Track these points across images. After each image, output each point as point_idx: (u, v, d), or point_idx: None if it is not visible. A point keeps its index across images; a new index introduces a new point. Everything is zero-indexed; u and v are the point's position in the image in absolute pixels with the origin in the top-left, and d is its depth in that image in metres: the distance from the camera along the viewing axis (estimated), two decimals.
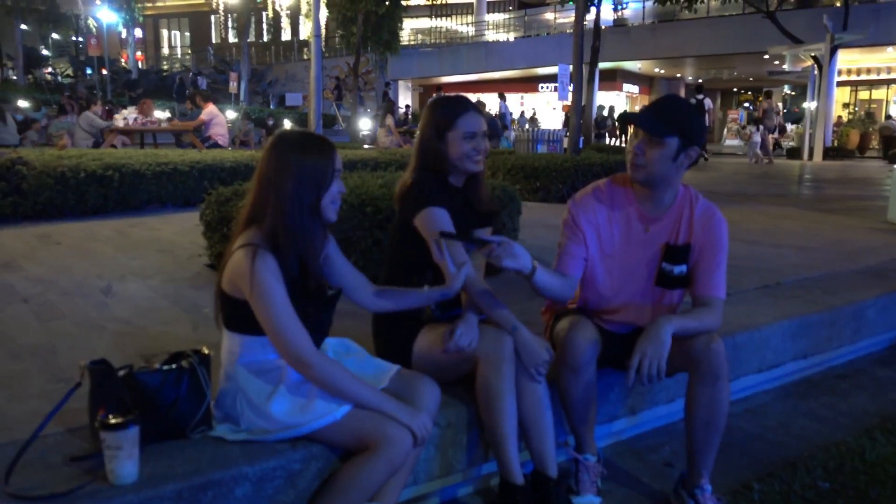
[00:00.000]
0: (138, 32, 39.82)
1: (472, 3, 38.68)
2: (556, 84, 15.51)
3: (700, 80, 34.53)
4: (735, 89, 39.85)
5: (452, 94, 2.88)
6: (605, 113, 25.77)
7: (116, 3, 32.39)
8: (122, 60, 38.84)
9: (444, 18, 41.14)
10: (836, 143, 23.98)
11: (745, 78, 35.73)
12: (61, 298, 4.00)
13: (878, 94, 33.99)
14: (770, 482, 2.62)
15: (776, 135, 23.01)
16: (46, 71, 38.26)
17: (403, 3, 21.38)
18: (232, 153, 10.14)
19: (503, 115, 18.56)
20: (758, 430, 3.16)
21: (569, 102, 12.94)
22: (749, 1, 23.86)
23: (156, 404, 2.01)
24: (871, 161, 22.43)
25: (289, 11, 34.47)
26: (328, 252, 2.30)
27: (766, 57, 25.04)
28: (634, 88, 35.03)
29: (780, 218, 7.89)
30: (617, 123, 22.86)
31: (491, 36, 36.79)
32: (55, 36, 41.85)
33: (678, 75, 35.81)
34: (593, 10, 16.92)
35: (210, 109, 13.26)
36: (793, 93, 37.17)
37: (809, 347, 3.77)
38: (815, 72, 22.46)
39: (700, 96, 21.70)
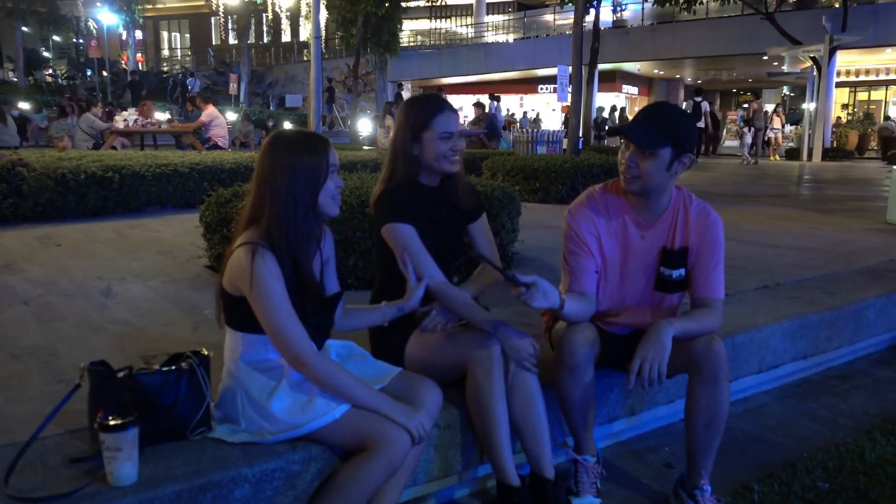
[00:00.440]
0: (138, 34, 39.85)
1: (471, 5, 38.71)
2: (556, 85, 15.51)
3: (699, 81, 34.62)
4: (734, 90, 39.87)
5: (427, 93, 2.83)
6: (605, 114, 25.73)
7: (117, 5, 32.41)
8: (123, 62, 38.85)
9: (443, 20, 41.15)
10: (835, 144, 24.01)
11: (744, 79, 35.75)
12: (61, 300, 4.00)
13: (877, 95, 34.01)
14: (770, 483, 2.62)
15: (774, 135, 23.01)
16: (47, 73, 38.28)
17: (403, 4, 21.37)
18: (232, 155, 10.14)
19: (493, 116, 18.48)
20: (758, 430, 3.17)
21: (568, 104, 12.93)
22: (748, 2, 23.88)
23: (155, 406, 2.01)
24: (869, 162, 22.46)
25: (288, 13, 34.48)
26: (328, 256, 2.31)
27: (766, 58, 25.07)
28: (634, 90, 35.05)
29: (779, 218, 7.89)
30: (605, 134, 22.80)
31: (490, 37, 36.81)
32: (56, 38, 41.88)
33: (677, 76, 35.84)
34: (592, 11, 16.93)
35: (210, 111, 13.27)
36: (792, 94, 37.19)
37: (809, 348, 3.77)
38: (814, 73, 22.50)
39: (698, 98, 21.75)
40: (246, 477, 1.99)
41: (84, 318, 3.63)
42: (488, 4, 39.10)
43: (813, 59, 22.17)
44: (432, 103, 2.55)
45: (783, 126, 22.94)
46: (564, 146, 12.34)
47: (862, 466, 2.76)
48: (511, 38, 35.78)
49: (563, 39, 25.00)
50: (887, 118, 26.66)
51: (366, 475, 2.00)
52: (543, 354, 2.48)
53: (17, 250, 5.60)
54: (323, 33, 20.83)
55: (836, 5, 24.72)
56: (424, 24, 39.89)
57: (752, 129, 21.20)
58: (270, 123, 21.51)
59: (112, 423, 1.83)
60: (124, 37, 36.08)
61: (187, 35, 50.32)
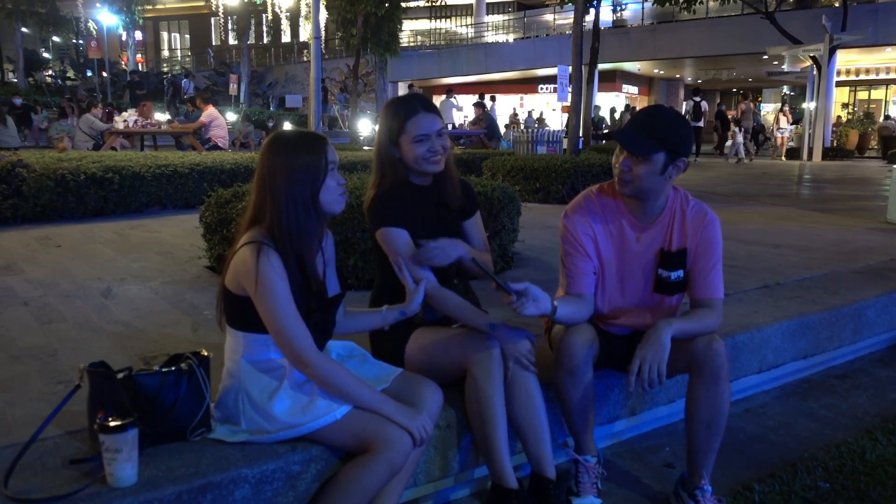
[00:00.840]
0: (138, 35, 39.85)
1: (471, 5, 38.72)
2: (556, 85, 15.50)
3: (699, 81, 34.61)
4: (734, 90, 39.87)
5: (407, 94, 2.80)
6: (602, 113, 25.73)
7: (116, 6, 32.42)
8: (123, 63, 38.87)
9: (443, 20, 41.16)
10: (835, 144, 24.00)
11: (744, 78, 35.76)
12: (61, 301, 4.00)
13: (877, 94, 34.04)
14: (770, 483, 2.62)
15: (781, 135, 23.00)
16: (47, 73, 38.28)
17: (403, 4, 21.36)
18: (232, 155, 10.15)
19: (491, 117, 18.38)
20: (758, 430, 3.16)
21: (568, 103, 12.93)
22: (748, 2, 23.88)
23: (155, 406, 2.01)
24: (870, 161, 22.45)
25: (288, 13, 34.47)
26: (329, 257, 2.31)
27: (766, 57, 25.06)
28: (634, 89, 35.06)
29: (779, 218, 7.89)
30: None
31: (490, 37, 36.81)
32: (55, 39, 41.88)
33: (677, 76, 35.85)
34: (592, 11, 16.93)
35: (210, 111, 13.28)
36: (792, 93, 37.20)
37: (810, 348, 3.77)
38: (814, 72, 22.49)
39: (697, 98, 21.77)
40: (246, 478, 1.98)
41: (84, 319, 3.63)
42: (488, 4, 39.10)
43: (813, 58, 22.17)
44: (406, 106, 2.52)
45: (790, 125, 22.89)
46: (565, 146, 12.34)
47: (863, 466, 2.76)
48: (511, 38, 35.78)
49: (563, 39, 24.99)
50: (887, 117, 26.65)
51: (367, 476, 2.00)
52: (543, 355, 2.47)
53: (16, 251, 5.60)
54: (323, 34, 20.83)
55: (836, 4, 24.71)
56: (424, 24, 39.92)
57: (742, 128, 21.31)
58: (271, 124, 21.54)
59: (112, 424, 1.83)
60: (124, 37, 36.10)
61: (187, 36, 50.33)
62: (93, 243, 6.00)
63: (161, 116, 15.82)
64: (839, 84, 28.49)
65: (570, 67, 11.85)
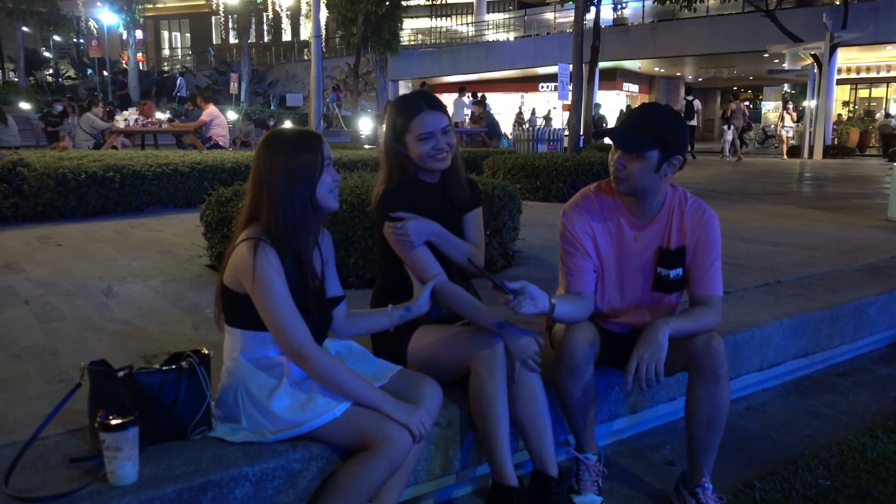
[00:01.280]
0: (139, 34, 39.82)
1: (472, 3, 38.69)
2: (557, 84, 15.49)
3: (700, 79, 34.57)
4: (735, 88, 39.83)
5: (413, 91, 2.79)
6: (602, 111, 25.69)
7: (117, 5, 32.38)
8: (123, 62, 38.86)
9: (444, 18, 41.15)
10: (835, 142, 23.98)
11: (745, 77, 35.74)
12: (62, 300, 4.00)
13: (878, 92, 34.01)
14: (771, 480, 2.62)
15: (785, 133, 22.94)
16: (48, 73, 38.28)
17: (403, 3, 21.35)
18: (233, 154, 10.16)
19: (491, 115, 18.25)
20: (759, 428, 3.16)
21: (569, 102, 12.93)
22: (748, 0, 23.86)
23: (156, 405, 2.01)
24: (870, 159, 22.43)
25: (289, 12, 34.40)
26: (327, 257, 2.31)
27: (766, 56, 25.06)
28: (634, 88, 35.04)
29: (780, 216, 7.88)
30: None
31: (491, 36, 36.79)
32: (56, 38, 41.87)
33: (678, 74, 35.82)
34: (593, 9, 16.92)
35: (211, 110, 13.28)
36: (793, 91, 37.17)
37: (810, 345, 3.77)
38: (815, 70, 22.47)
39: (689, 97, 21.79)
40: (247, 476, 1.98)
41: (85, 318, 3.63)
42: (489, 3, 39.10)
43: (814, 56, 22.14)
44: (410, 104, 2.51)
45: (794, 123, 22.85)
46: (566, 144, 12.35)
47: (863, 464, 2.76)
48: (512, 36, 35.76)
49: (564, 37, 24.97)
50: (888, 115, 26.61)
51: (367, 474, 2.00)
52: (543, 353, 2.47)
53: (17, 250, 5.60)
54: (323, 32, 20.78)
55: (837, 2, 24.65)
56: (425, 22, 39.91)
57: (732, 127, 21.38)
58: (271, 123, 21.52)
59: (112, 422, 1.83)
60: (125, 36, 36.03)
61: (188, 34, 50.32)
62: (93, 242, 6.00)
63: (162, 115, 15.79)
64: (840, 82, 28.46)
65: (571, 66, 11.84)
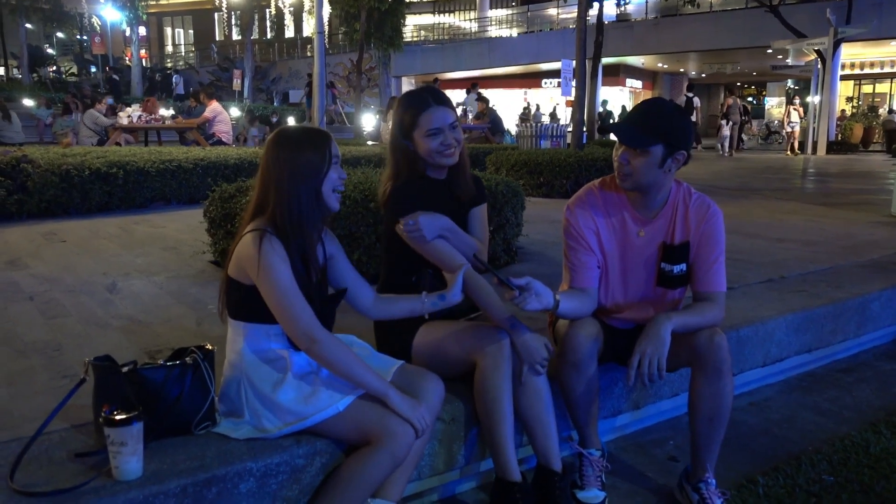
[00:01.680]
0: (142, 30, 39.85)
1: None
2: (560, 80, 15.46)
3: (703, 75, 34.46)
4: (738, 84, 39.76)
5: (420, 87, 2.79)
6: (609, 107, 25.68)
7: (120, 1, 32.41)
8: (126, 58, 38.91)
9: (447, 14, 41.11)
10: (839, 137, 23.93)
11: (748, 72, 35.65)
12: (66, 296, 4.01)
13: (882, 87, 33.92)
14: (774, 476, 2.62)
15: (792, 128, 22.82)
16: (51, 69, 38.33)
17: None
18: (236, 150, 10.16)
19: (494, 111, 18.15)
20: (762, 424, 3.16)
21: (572, 98, 12.92)
22: None
23: (160, 400, 2.02)
24: (874, 155, 22.37)
25: (292, 8, 34.47)
26: (332, 252, 2.32)
27: (770, 51, 25.01)
28: (638, 83, 35.00)
29: (783, 212, 7.87)
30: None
31: (494, 32, 36.75)
32: (59, 34, 41.92)
33: (681, 70, 35.76)
34: (596, 5, 16.87)
35: (214, 107, 13.27)
36: (796, 87, 37.07)
37: (814, 341, 3.76)
38: (819, 66, 22.41)
39: (689, 94, 21.77)
40: (251, 471, 1.99)
41: (89, 314, 3.64)
42: None
43: (817, 51, 22.08)
44: (418, 100, 2.52)
45: (801, 119, 22.76)
46: (569, 140, 12.34)
47: (867, 459, 2.76)
48: (514, 32, 35.71)
49: (567, 33, 24.97)
50: (892, 111, 26.53)
51: (369, 469, 2.01)
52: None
53: (22, 246, 5.61)
54: (326, 28, 20.78)
55: None
56: (428, 18, 39.89)
57: (729, 122, 21.38)
58: (274, 119, 21.52)
59: (117, 417, 1.84)
60: (128, 33, 36.08)
61: (191, 31, 50.34)
62: (97, 238, 6.01)
63: (165, 112, 15.78)
64: (843, 78, 28.36)
65: (574, 62, 11.83)
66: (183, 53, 49.47)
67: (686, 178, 2.57)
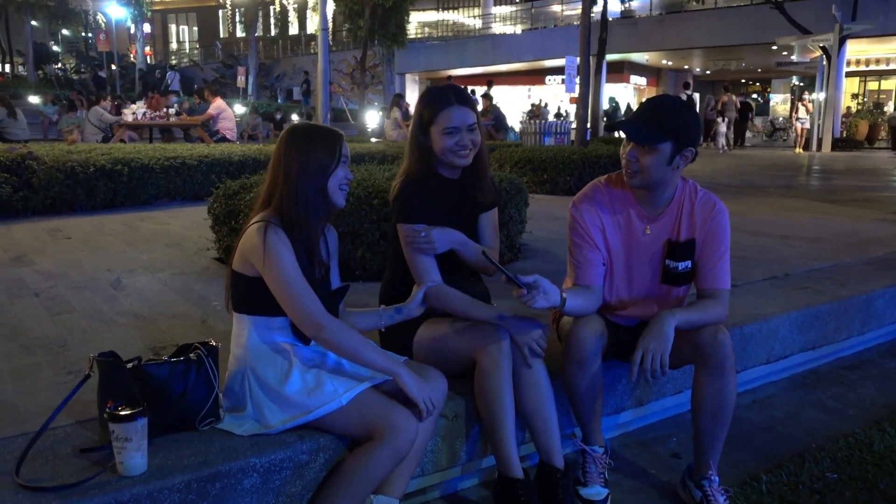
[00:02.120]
0: (147, 27, 39.90)
1: None
2: (564, 76, 15.44)
3: (697, 70, 34.36)
4: (743, 80, 39.65)
5: (443, 84, 2.78)
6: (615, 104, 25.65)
7: None
8: (131, 56, 38.95)
9: (450, 11, 41.06)
10: (844, 134, 23.83)
11: (753, 69, 35.53)
12: (71, 292, 4.03)
13: (888, 84, 33.76)
14: (778, 473, 2.62)
15: (801, 125, 22.73)
16: (56, 66, 38.41)
17: None
18: (240, 147, 10.17)
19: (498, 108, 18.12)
20: (766, 421, 3.16)
21: (576, 95, 12.90)
22: None
23: (164, 396, 2.03)
24: (879, 152, 22.30)
25: (296, 5, 34.48)
26: (332, 251, 2.35)
27: (775, 48, 24.90)
28: (642, 80, 34.90)
29: (788, 209, 7.86)
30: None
31: (498, 28, 36.70)
32: (65, 32, 41.97)
33: (686, 67, 35.66)
34: (600, 1, 16.85)
35: (218, 104, 13.29)
36: (801, 83, 36.97)
37: (818, 338, 3.76)
38: (824, 62, 22.32)
39: (688, 92, 21.76)
40: (254, 467, 2.00)
41: (94, 310, 3.65)
42: None
43: (822, 48, 22.00)
44: (440, 97, 2.52)
45: (809, 115, 22.68)
46: (572, 137, 12.33)
47: (870, 457, 2.76)
48: (518, 28, 35.66)
49: (571, 30, 24.90)
50: None
51: (372, 464, 2.02)
52: (551, 346, 2.48)
53: (27, 243, 5.63)
54: (330, 25, 20.79)
55: None
56: (432, 15, 39.83)
57: (726, 119, 21.39)
58: (278, 116, 21.54)
59: (121, 413, 1.85)
60: (132, 30, 36.16)
61: (195, 28, 50.39)
62: (102, 235, 6.03)
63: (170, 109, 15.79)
64: (849, 74, 28.26)
65: (578, 58, 11.81)
66: (187, 50, 49.51)
67: (690, 176, 2.57)
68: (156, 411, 1.97)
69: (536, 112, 24.82)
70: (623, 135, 2.45)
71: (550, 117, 27.26)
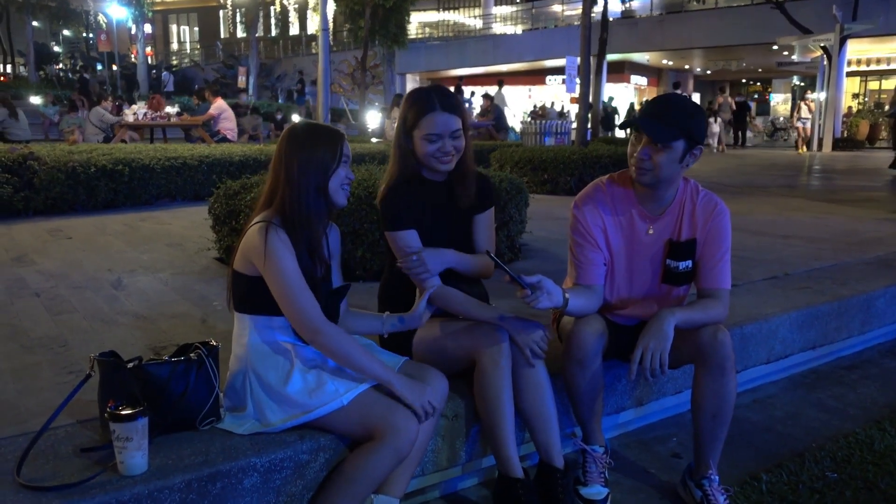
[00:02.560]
0: (147, 28, 39.91)
1: None
2: (564, 76, 15.43)
3: (698, 70, 34.30)
4: (743, 80, 39.64)
5: (431, 85, 2.73)
6: (614, 104, 25.63)
7: None
8: (132, 56, 38.97)
9: (451, 11, 41.07)
10: (845, 134, 23.82)
11: (753, 69, 35.51)
12: (72, 292, 4.03)
13: (889, 84, 33.73)
14: (778, 473, 2.62)
15: (802, 125, 22.69)
16: (57, 67, 38.44)
17: None
18: (241, 147, 10.17)
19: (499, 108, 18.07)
20: (766, 420, 3.16)
21: (577, 95, 12.89)
22: None
23: (165, 396, 2.03)
24: (880, 152, 22.28)
25: (296, 6, 34.45)
26: (333, 250, 2.34)
27: (775, 48, 24.88)
28: (643, 80, 34.88)
29: (788, 209, 7.86)
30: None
31: (498, 28, 36.69)
32: (66, 32, 42.00)
33: (686, 67, 35.64)
34: (601, 1, 16.84)
35: (219, 104, 13.30)
36: (802, 83, 36.94)
37: (818, 338, 3.76)
38: (825, 62, 22.31)
39: (678, 91, 21.79)
40: (255, 466, 2.00)
41: (95, 310, 3.66)
42: None
43: (823, 48, 21.99)
44: (424, 101, 2.44)
45: (811, 115, 22.64)
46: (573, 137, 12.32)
47: (871, 456, 2.76)
48: (519, 29, 35.66)
49: (572, 30, 24.89)
50: None
51: (373, 464, 2.02)
52: (551, 346, 2.48)
53: (28, 243, 5.64)
54: (331, 26, 20.78)
55: None
56: (432, 15, 39.84)
57: (719, 119, 21.44)
58: (279, 116, 21.53)
59: (122, 413, 1.85)
60: (133, 31, 36.14)
61: (196, 28, 50.42)
62: (103, 235, 6.03)
63: (171, 109, 15.79)
64: (850, 74, 28.25)
65: (579, 58, 11.81)
66: (188, 51, 49.53)
67: (691, 175, 2.57)
68: (156, 411, 1.97)
69: (542, 113, 24.87)
70: (626, 133, 2.45)
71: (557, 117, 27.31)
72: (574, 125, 12.83)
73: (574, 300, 2.38)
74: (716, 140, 21.12)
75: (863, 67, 31.87)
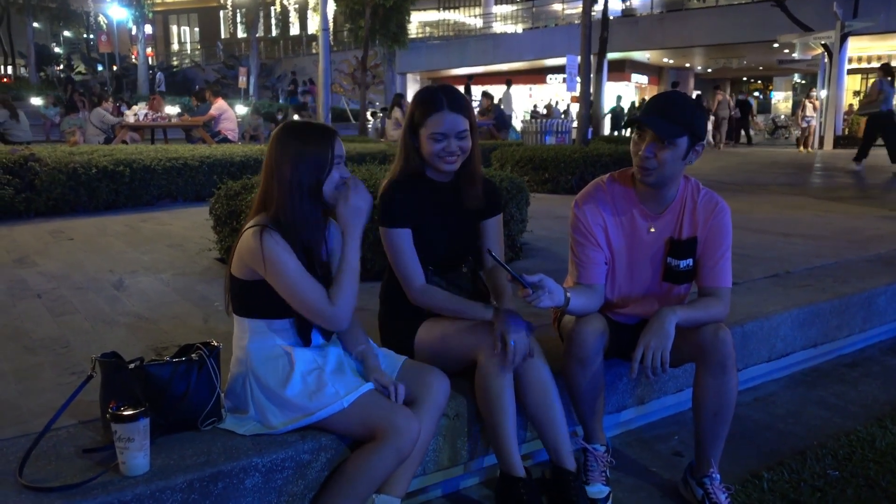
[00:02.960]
0: (148, 29, 39.93)
1: None
2: (565, 75, 15.41)
3: (709, 70, 34.29)
4: (744, 78, 39.62)
5: (439, 84, 2.72)
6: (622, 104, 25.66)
7: (126, 0, 32.49)
8: (133, 57, 38.99)
9: (451, 11, 41.07)
10: (846, 132, 23.77)
11: (754, 67, 35.50)
12: (74, 293, 4.04)
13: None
14: (779, 471, 2.62)
15: (807, 123, 22.62)
16: (58, 68, 38.47)
17: None
18: (241, 147, 10.17)
19: (499, 108, 18.02)
20: (767, 418, 3.16)
21: (577, 93, 12.89)
22: None
23: (166, 396, 2.04)
24: (881, 149, 22.24)
25: (297, 6, 34.46)
26: (333, 247, 2.33)
27: (776, 45, 24.86)
28: (643, 79, 34.88)
29: (789, 207, 7.85)
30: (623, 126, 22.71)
31: (499, 28, 36.69)
32: (66, 33, 42.03)
33: (687, 65, 35.63)
34: (601, 0, 16.84)
35: (219, 104, 13.30)
36: (803, 81, 36.91)
37: (819, 336, 3.76)
38: (826, 60, 22.27)
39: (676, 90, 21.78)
40: (256, 466, 2.00)
41: (96, 311, 3.66)
42: None
43: (824, 45, 21.95)
44: (432, 100, 2.45)
45: (816, 113, 22.56)
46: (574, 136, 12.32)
47: (872, 454, 2.76)
48: (520, 28, 35.66)
49: (572, 29, 24.87)
50: None
51: (374, 464, 2.02)
52: (552, 345, 2.48)
53: (30, 244, 5.64)
54: (331, 26, 20.79)
55: None
56: (433, 15, 39.84)
57: (716, 117, 21.46)
58: (280, 116, 21.54)
59: (124, 413, 1.85)
60: (134, 31, 36.16)
61: (196, 29, 50.44)
62: (104, 236, 6.04)
63: (172, 110, 15.81)
64: (851, 72, 28.20)
65: (579, 57, 11.80)
66: (189, 52, 49.55)
67: (692, 173, 2.58)
68: (158, 411, 1.98)
69: (548, 112, 24.90)
70: (629, 132, 2.45)
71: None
72: (575, 124, 12.82)
73: (575, 299, 2.38)
74: (708, 136, 21.16)
75: (864, 65, 31.83)
